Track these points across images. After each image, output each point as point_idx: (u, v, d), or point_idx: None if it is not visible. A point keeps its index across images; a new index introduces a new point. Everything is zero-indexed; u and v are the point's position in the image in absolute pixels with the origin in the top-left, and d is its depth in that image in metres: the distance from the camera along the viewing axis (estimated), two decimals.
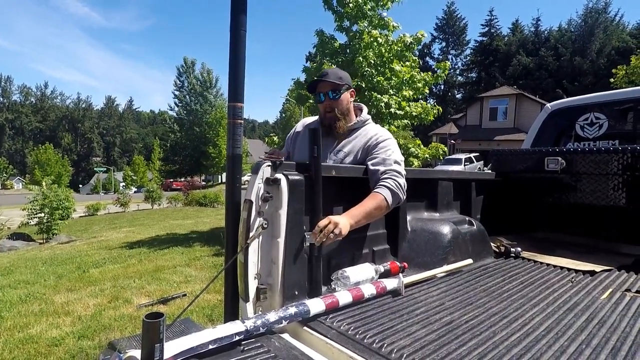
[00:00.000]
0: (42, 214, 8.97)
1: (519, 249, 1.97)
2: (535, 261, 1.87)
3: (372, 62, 6.60)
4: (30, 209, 8.99)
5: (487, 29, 45.36)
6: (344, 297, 1.21)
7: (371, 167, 1.50)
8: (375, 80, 6.58)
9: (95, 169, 46.41)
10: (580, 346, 0.99)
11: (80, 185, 48.19)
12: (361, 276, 1.35)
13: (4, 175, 42.13)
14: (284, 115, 38.54)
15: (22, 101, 60.48)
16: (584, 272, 1.67)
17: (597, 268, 1.70)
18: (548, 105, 2.93)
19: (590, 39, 37.43)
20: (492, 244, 2.00)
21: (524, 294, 1.39)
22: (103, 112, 68.00)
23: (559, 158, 2.16)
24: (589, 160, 2.10)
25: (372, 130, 1.63)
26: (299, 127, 1.78)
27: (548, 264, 1.80)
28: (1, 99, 58.15)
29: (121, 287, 4.23)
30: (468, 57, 46.92)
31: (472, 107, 26.24)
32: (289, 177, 1.23)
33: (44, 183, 9.86)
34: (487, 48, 43.85)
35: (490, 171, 2.46)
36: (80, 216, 14.35)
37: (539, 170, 2.24)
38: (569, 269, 1.73)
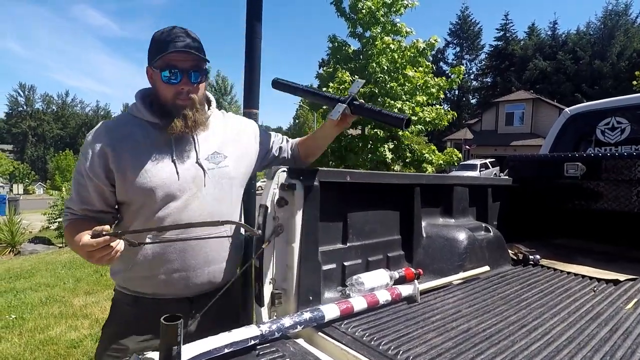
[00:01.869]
0: (62, 219, 9.23)
1: (538, 256, 1.93)
2: (555, 269, 1.82)
3: (385, 68, 6.61)
4: (50, 213, 9.26)
5: (502, 33, 44.89)
6: (358, 303, 1.21)
7: (281, 142, 1.48)
8: (388, 86, 6.58)
9: None
10: (604, 358, 0.96)
11: None
12: (376, 282, 1.34)
13: (27, 181, 43.54)
14: (297, 121, 38.83)
15: (44, 109, 62.64)
16: (607, 281, 1.62)
17: (621, 277, 1.65)
18: (567, 109, 2.87)
19: (611, 42, 36.58)
20: (509, 251, 1.96)
21: (544, 303, 1.35)
22: None
23: (579, 163, 2.11)
24: (610, 166, 2.04)
25: (233, 118, 1.40)
26: (101, 140, 1.14)
27: (568, 272, 1.76)
28: (25, 107, 60.32)
29: None
30: (483, 62, 46.49)
31: (488, 112, 25.92)
32: (305, 182, 1.23)
33: (63, 188, 10.14)
34: (502, 52, 43.35)
35: (507, 177, 2.42)
36: None
37: (558, 176, 2.19)
38: (590, 278, 1.68)
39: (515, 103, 23.87)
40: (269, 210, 1.20)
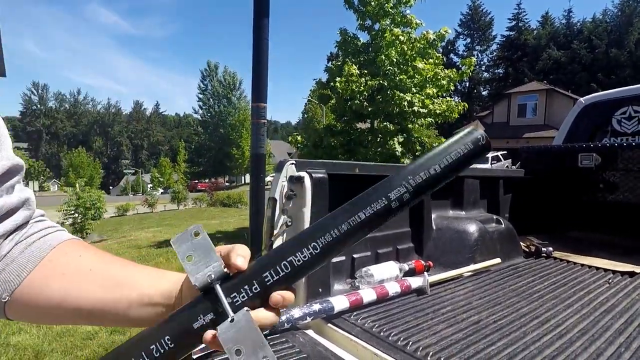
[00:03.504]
0: (76, 214, 9.43)
1: (551, 248, 1.90)
2: (568, 261, 1.79)
3: (395, 60, 6.53)
4: (65, 209, 9.47)
5: (514, 22, 43.85)
6: (368, 295, 1.21)
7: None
8: (398, 78, 6.50)
9: (124, 171, 48.26)
10: (619, 349, 0.95)
11: (111, 187, 50.25)
12: (385, 274, 1.34)
13: (42, 178, 44.54)
14: (305, 115, 38.77)
15: (57, 107, 63.75)
16: (622, 273, 1.59)
17: (637, 269, 1.61)
18: (582, 99, 2.80)
19: (628, 29, 35.45)
20: (521, 243, 1.93)
21: (557, 295, 1.34)
22: (131, 116, 70.66)
23: (593, 154, 2.06)
24: (627, 156, 1.99)
25: None
26: None
27: (582, 265, 1.73)
28: (38, 106, 61.47)
29: None
30: (494, 53, 45.53)
31: (499, 104, 25.46)
32: (313, 175, 1.23)
33: (77, 185, 10.35)
34: (514, 42, 42.40)
35: (519, 169, 2.38)
36: (111, 216, 14.95)
37: (571, 167, 2.15)
38: (605, 270, 1.64)
39: (528, 94, 23.38)
40: (277, 203, 1.21)
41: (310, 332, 1.10)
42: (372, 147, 6.83)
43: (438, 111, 6.73)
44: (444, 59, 7.56)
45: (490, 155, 19.13)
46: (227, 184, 38.86)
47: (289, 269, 0.39)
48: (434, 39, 6.75)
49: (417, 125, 6.85)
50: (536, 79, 29.68)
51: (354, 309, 1.17)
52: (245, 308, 0.38)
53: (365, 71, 6.86)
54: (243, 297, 0.38)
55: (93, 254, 0.48)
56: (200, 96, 41.58)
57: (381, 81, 6.58)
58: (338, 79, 6.62)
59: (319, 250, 0.39)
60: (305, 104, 38.17)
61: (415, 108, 6.50)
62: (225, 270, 0.39)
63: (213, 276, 0.39)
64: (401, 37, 6.50)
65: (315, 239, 0.39)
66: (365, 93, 6.61)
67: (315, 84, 8.49)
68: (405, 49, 6.54)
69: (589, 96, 2.80)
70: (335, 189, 1.29)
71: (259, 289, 0.39)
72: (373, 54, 6.93)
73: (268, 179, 2.22)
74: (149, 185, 40.12)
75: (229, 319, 0.37)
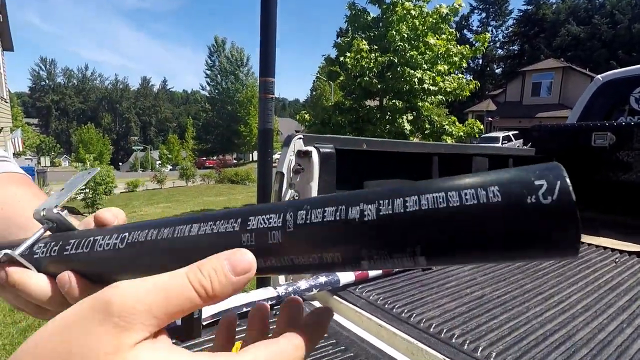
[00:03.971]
0: (87, 190, 9.61)
1: None
2: None
3: (406, 35, 6.35)
4: None
5: None
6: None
7: None
8: (408, 54, 6.34)
9: (133, 147, 48.72)
10: (621, 325, 0.96)
11: (120, 163, 50.88)
12: None
13: (53, 153, 45.22)
14: (314, 93, 38.30)
15: (66, 83, 63.79)
16: (630, 253, 1.58)
17: None
18: (599, 76, 2.71)
19: None
20: None
21: (561, 273, 1.34)
22: (139, 92, 70.52)
23: (608, 133, 2.01)
24: None
25: None
26: None
27: (590, 244, 1.72)
28: (47, 82, 61.58)
29: None
30: (510, 29, 43.90)
31: (513, 83, 24.80)
32: (321, 149, 1.23)
33: (87, 161, 10.50)
34: (532, 17, 40.75)
35: (530, 148, 2.34)
36: (121, 192, 15.20)
37: (584, 146, 2.11)
38: (613, 250, 1.64)
39: (543, 72, 22.67)
40: (285, 177, 1.22)
41: (316, 303, 1.13)
42: (380, 125, 6.76)
43: (449, 89, 6.60)
44: (457, 35, 7.33)
45: (501, 135, 18.85)
46: (234, 161, 39.05)
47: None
48: (447, 13, 6.52)
49: (427, 103, 6.73)
50: (553, 56, 28.71)
51: (360, 283, 1.19)
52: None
53: (375, 47, 6.70)
54: (43, 252, 0.34)
55: (22, 189, 0.48)
56: (208, 72, 41.17)
57: (391, 57, 6.43)
58: (347, 54, 6.48)
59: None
60: (314, 81, 37.63)
61: (426, 85, 6.36)
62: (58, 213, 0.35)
63: (45, 213, 0.35)
64: (413, 11, 6.30)
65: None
66: (374, 70, 6.48)
67: (324, 60, 8.33)
68: (417, 23, 6.35)
69: (606, 73, 2.71)
70: (342, 164, 1.29)
71: (56, 253, 0.33)
72: (383, 29, 6.74)
73: (275, 156, 2.22)
74: (158, 162, 40.53)
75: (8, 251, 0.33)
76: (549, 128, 2.32)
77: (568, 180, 0.18)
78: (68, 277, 0.31)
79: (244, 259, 0.23)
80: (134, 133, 64.42)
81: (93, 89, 66.30)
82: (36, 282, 0.32)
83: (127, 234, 0.30)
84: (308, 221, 0.23)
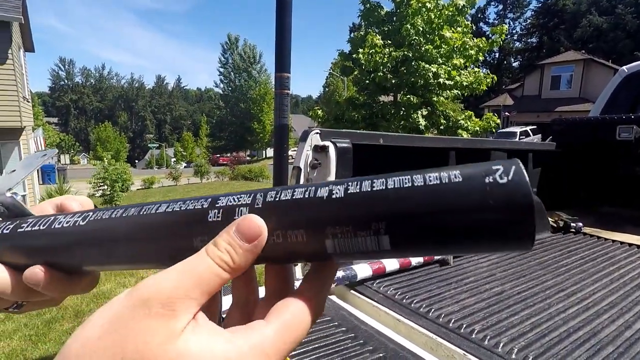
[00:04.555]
0: (105, 186, 9.88)
1: (580, 224, 1.84)
2: (598, 237, 1.74)
3: (421, 29, 6.26)
4: (95, 182, 9.94)
5: None
6: (390, 263, 1.22)
7: None
8: (423, 48, 6.25)
9: (148, 145, 49.59)
10: None
11: (137, 161, 51.87)
12: None
13: (72, 151, 46.44)
14: (326, 89, 38.19)
15: (84, 82, 65.29)
16: None
17: None
18: (624, 68, 2.62)
19: None
20: (549, 218, 1.88)
21: (584, 269, 1.31)
22: (154, 91, 71.63)
23: (634, 126, 1.94)
24: None
25: None
26: None
27: (614, 240, 1.67)
28: (66, 81, 63.15)
29: None
30: (528, 21, 42.75)
31: (531, 76, 24.18)
32: (338, 144, 1.23)
33: (105, 159, 10.75)
34: (551, 9, 39.56)
35: (550, 142, 2.28)
36: (138, 189, 15.51)
37: (608, 140, 2.04)
38: (638, 246, 1.59)
39: (563, 65, 22.00)
40: (302, 172, 1.22)
41: (333, 297, 1.14)
42: (395, 120, 6.70)
43: (465, 83, 6.48)
44: (473, 28, 7.18)
45: (518, 129, 18.43)
46: (247, 158, 39.35)
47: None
48: (464, 5, 6.40)
49: (442, 98, 6.63)
50: (573, 48, 27.84)
51: (377, 277, 1.19)
52: None
53: (389, 41, 6.62)
54: None
55: None
56: (221, 70, 41.50)
57: (405, 52, 6.35)
58: (361, 50, 6.43)
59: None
60: (327, 77, 37.51)
61: (441, 80, 6.27)
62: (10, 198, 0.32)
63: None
64: (428, 4, 6.20)
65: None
66: (388, 64, 6.41)
67: (337, 55, 8.29)
68: (432, 16, 6.25)
69: (631, 64, 2.61)
70: (359, 159, 1.28)
71: (9, 231, 0.30)
72: (397, 23, 6.66)
73: (290, 152, 2.22)
74: (173, 159, 41.16)
75: None
76: (570, 121, 2.26)
77: (522, 166, 0.20)
78: (41, 272, 0.28)
79: (251, 224, 0.23)
80: (149, 131, 65.55)
81: (110, 88, 67.69)
82: None
83: (90, 213, 0.28)
84: (277, 199, 0.23)
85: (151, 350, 0.19)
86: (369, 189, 0.21)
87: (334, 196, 0.22)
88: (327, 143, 1.22)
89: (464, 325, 0.92)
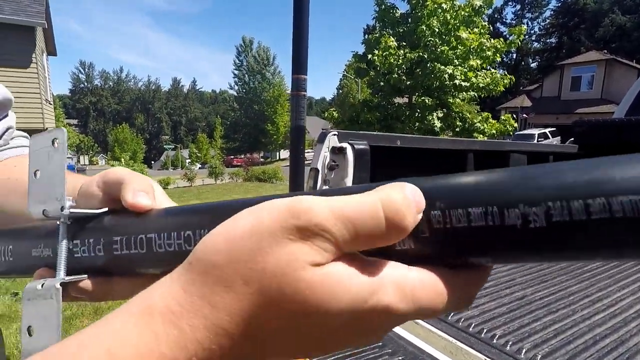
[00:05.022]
0: None
1: None
2: None
3: (436, 30, 6.20)
4: None
5: None
6: None
7: None
8: (439, 50, 6.19)
9: (164, 146, 50.53)
10: None
11: (152, 162, 52.88)
12: None
13: (91, 152, 47.71)
14: (340, 91, 38.21)
15: (102, 85, 67.06)
16: None
17: None
18: None
19: None
20: None
21: (610, 275, 1.27)
22: (170, 93, 72.99)
23: None
24: None
25: None
26: None
27: None
28: (85, 84, 64.99)
29: None
30: (547, 20, 41.86)
31: (550, 77, 23.66)
32: (355, 146, 1.23)
33: (122, 160, 11.02)
34: (571, 8, 38.65)
35: (572, 144, 2.23)
36: None
37: (634, 142, 1.98)
38: None
39: (584, 65, 21.44)
40: (319, 174, 1.22)
41: None
42: (410, 122, 6.65)
43: (481, 84, 6.39)
44: (490, 29, 7.08)
45: (536, 132, 18.05)
46: (262, 159, 39.67)
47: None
48: (481, 5, 6.31)
49: (458, 99, 6.55)
50: (595, 48, 27.10)
51: None
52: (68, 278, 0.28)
53: (404, 43, 6.58)
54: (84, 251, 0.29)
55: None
56: (236, 72, 42.03)
57: (421, 53, 6.30)
58: (375, 51, 6.41)
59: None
60: (341, 79, 37.53)
61: (457, 81, 6.19)
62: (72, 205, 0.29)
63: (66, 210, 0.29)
64: (444, 5, 6.13)
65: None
66: (403, 66, 6.37)
67: (352, 56, 8.29)
68: (448, 17, 6.18)
69: None
70: (376, 161, 1.28)
71: (102, 253, 0.28)
72: (413, 24, 6.61)
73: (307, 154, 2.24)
74: (187, 161, 41.81)
75: (58, 280, 0.27)
76: (594, 123, 2.20)
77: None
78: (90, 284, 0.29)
79: (419, 192, 0.19)
80: (165, 132, 66.80)
81: (127, 91, 69.33)
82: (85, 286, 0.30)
83: (190, 233, 0.24)
84: None
85: (295, 270, 0.18)
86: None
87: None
88: (344, 145, 1.22)
89: (485, 330, 0.90)
